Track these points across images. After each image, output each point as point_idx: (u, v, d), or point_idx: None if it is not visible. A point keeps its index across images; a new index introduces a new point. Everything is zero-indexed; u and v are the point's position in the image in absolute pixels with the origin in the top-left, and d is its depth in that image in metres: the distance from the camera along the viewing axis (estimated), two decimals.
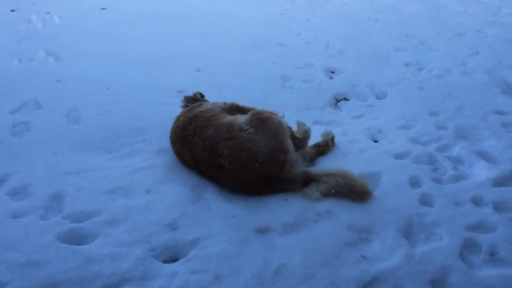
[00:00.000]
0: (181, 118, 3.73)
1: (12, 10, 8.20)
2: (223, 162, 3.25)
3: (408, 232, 2.99)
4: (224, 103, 4.04)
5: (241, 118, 3.49)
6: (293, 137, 3.65)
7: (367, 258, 2.76)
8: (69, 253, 2.71)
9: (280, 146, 3.32)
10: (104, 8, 8.62)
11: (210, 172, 3.40)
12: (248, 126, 3.34)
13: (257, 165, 3.20)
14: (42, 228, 2.90)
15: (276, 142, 3.31)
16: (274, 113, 3.64)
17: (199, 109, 3.74)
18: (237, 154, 3.22)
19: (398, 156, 3.79)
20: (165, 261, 2.76)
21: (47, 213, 3.08)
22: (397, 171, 3.55)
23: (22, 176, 3.43)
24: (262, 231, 2.97)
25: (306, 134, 3.85)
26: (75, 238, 2.86)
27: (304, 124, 3.94)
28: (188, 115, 3.68)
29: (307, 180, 3.32)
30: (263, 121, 3.38)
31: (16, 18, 7.69)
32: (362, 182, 3.29)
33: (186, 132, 3.51)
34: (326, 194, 3.25)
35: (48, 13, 8.06)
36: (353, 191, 3.23)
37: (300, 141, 3.75)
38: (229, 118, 3.54)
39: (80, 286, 2.52)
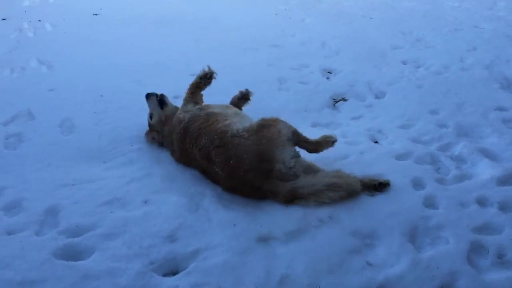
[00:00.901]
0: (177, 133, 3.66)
1: (3, 19, 8.08)
2: (217, 169, 3.25)
3: (413, 236, 2.92)
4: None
5: (240, 124, 3.38)
6: (303, 141, 3.39)
7: (373, 265, 2.68)
8: (66, 270, 2.63)
9: (266, 154, 3.13)
10: (96, 14, 8.51)
11: (211, 177, 3.42)
12: (244, 132, 3.24)
13: (241, 173, 3.14)
14: (38, 244, 2.81)
15: (264, 149, 3.13)
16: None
17: (184, 121, 3.62)
18: (226, 161, 3.18)
19: (400, 157, 3.72)
20: (165, 275, 2.69)
21: (42, 228, 2.99)
22: (399, 173, 3.46)
23: (15, 190, 3.34)
24: (264, 239, 2.89)
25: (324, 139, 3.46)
26: (72, 254, 2.77)
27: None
28: (177, 130, 3.63)
29: (292, 197, 3.11)
30: (263, 127, 3.23)
31: (6, 27, 7.57)
32: (353, 183, 3.18)
33: (187, 146, 3.49)
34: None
35: (39, 20, 7.95)
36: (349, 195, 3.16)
37: (310, 145, 3.41)
38: (223, 123, 3.40)
39: None
